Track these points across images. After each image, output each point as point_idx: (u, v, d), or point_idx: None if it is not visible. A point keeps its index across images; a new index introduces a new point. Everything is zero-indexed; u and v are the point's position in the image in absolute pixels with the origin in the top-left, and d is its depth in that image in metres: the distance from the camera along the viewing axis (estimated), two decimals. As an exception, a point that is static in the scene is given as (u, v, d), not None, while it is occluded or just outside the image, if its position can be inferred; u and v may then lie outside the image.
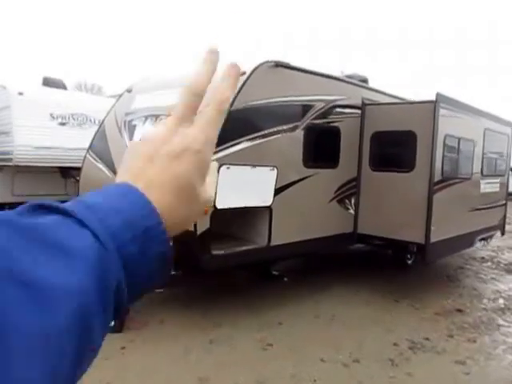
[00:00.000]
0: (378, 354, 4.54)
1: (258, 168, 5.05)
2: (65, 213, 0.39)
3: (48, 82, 10.71)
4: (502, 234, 9.39)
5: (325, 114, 6.11)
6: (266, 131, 5.21)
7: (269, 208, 5.22)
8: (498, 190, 8.78)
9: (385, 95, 7.42)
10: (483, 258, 9.27)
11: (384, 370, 4.24)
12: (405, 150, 6.56)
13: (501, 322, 5.68)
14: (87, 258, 0.37)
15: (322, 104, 6.05)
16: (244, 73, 5.11)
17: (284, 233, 5.52)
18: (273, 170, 5.19)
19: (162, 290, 5.25)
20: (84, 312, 0.35)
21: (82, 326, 0.35)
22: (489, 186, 8.24)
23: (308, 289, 6.34)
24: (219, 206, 4.64)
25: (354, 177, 6.78)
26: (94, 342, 0.37)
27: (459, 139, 6.82)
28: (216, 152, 4.71)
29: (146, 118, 5.85)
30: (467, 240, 7.54)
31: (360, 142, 6.79)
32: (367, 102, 6.80)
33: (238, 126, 5.02)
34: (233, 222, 5.33)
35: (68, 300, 0.34)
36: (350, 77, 7.24)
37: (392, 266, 7.60)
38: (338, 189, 6.51)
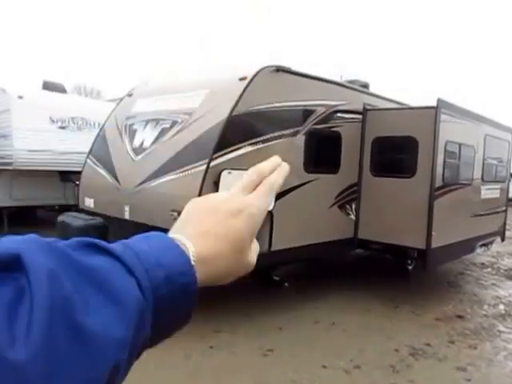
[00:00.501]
0: (379, 361, 4.51)
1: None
2: (115, 256, 0.40)
3: (48, 86, 10.70)
4: (502, 239, 9.39)
5: (326, 119, 6.10)
6: (267, 136, 5.21)
7: (270, 213, 5.18)
8: (498, 195, 8.78)
9: (386, 100, 7.43)
10: (483, 263, 9.25)
11: (385, 376, 4.21)
12: (406, 156, 6.56)
13: (501, 328, 5.66)
14: (132, 309, 0.38)
15: (324, 109, 6.05)
16: (245, 78, 5.12)
17: (285, 238, 5.50)
18: (274, 174, 5.16)
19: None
20: (116, 366, 0.36)
21: (108, 380, 0.36)
22: (489, 192, 8.24)
23: (308, 294, 6.31)
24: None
25: (355, 182, 6.77)
26: None
27: (460, 145, 6.82)
28: (217, 157, 4.72)
29: (147, 122, 5.84)
30: (468, 246, 7.53)
31: (361, 148, 6.78)
32: (368, 107, 6.80)
33: (240, 130, 5.01)
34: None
35: (108, 353, 0.35)
36: (351, 82, 7.25)
37: (392, 272, 7.58)
38: (339, 194, 6.50)
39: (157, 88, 6.56)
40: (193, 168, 4.75)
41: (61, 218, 5.78)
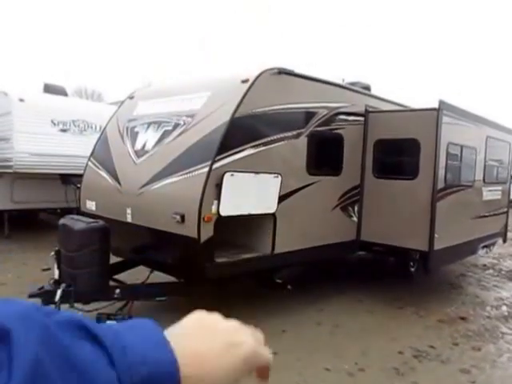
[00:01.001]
0: (382, 363, 4.50)
1: (261, 175, 5.03)
2: (103, 347, 0.41)
3: (49, 89, 10.71)
4: (504, 241, 9.39)
5: (328, 121, 6.10)
6: (269, 138, 5.20)
7: (273, 215, 5.19)
8: (499, 197, 8.78)
9: (388, 102, 7.42)
10: (485, 265, 9.25)
11: (389, 379, 4.20)
12: (408, 158, 6.55)
13: (505, 329, 5.66)
14: None
15: (326, 111, 6.05)
16: (247, 80, 5.11)
17: (288, 240, 5.49)
18: (277, 177, 5.16)
19: (163, 299, 5.20)
20: None
21: None
22: (491, 194, 8.24)
23: (311, 297, 6.30)
24: (223, 213, 4.61)
25: (357, 184, 6.76)
26: None
27: (462, 147, 6.82)
28: (220, 159, 4.71)
29: (149, 124, 5.83)
30: (470, 247, 7.52)
31: (363, 150, 6.77)
32: (370, 109, 6.80)
33: (242, 133, 5.01)
34: (236, 229, 5.31)
35: None
36: (352, 84, 7.25)
37: (394, 274, 7.57)
38: (341, 196, 6.49)
39: (158, 90, 6.55)
40: (195, 170, 4.73)
41: (62, 221, 5.75)
